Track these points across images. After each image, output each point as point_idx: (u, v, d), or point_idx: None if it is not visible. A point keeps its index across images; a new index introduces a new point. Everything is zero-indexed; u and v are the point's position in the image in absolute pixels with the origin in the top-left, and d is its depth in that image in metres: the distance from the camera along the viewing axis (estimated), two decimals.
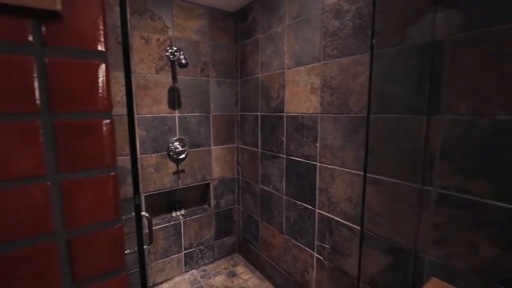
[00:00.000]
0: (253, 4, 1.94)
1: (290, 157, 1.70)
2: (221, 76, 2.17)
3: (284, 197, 1.79)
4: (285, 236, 1.81)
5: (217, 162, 2.25)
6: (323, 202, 1.48)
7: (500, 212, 0.83)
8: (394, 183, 1.10)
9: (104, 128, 0.35)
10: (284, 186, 1.79)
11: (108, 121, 0.36)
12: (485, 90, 0.83)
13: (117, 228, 0.37)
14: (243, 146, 2.22)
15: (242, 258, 2.39)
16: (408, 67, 1.01)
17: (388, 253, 1.15)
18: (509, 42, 0.78)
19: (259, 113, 1.98)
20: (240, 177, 2.31)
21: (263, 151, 1.97)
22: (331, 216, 1.43)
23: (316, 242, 1.56)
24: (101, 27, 0.34)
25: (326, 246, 1.48)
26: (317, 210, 1.53)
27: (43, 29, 0.31)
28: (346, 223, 1.35)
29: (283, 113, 1.73)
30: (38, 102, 0.31)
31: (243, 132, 2.20)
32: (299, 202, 1.66)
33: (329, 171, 1.42)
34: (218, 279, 2.11)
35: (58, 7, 0.30)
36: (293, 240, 1.74)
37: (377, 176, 1.16)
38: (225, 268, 2.26)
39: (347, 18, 1.24)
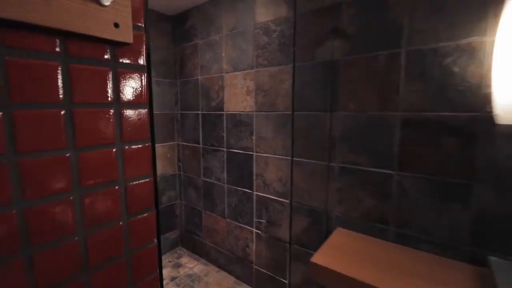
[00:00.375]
0: (191, 11, 2.11)
1: (231, 150, 1.94)
2: (160, 76, 2.26)
3: (226, 185, 2.02)
4: (228, 220, 2.05)
5: (158, 159, 2.31)
6: (259, 185, 1.78)
7: (375, 175, 1.26)
8: (311, 163, 1.47)
9: (141, 116, 0.53)
10: (225, 176, 2.02)
11: (145, 110, 0.54)
12: (361, 94, 1.26)
13: (151, 181, 0.55)
14: (184, 143, 2.35)
15: (185, 250, 2.51)
16: (317, 77, 1.39)
17: (309, 216, 1.52)
18: (374, 63, 1.21)
19: (200, 112, 2.16)
20: (182, 173, 2.43)
21: (204, 146, 2.16)
22: (266, 195, 1.74)
23: (254, 219, 1.85)
24: (144, 50, 0.52)
25: (262, 221, 1.79)
26: (255, 193, 1.82)
27: (117, 51, 0.47)
28: (278, 199, 1.68)
29: (223, 111, 1.96)
30: (110, 98, 0.48)
31: (184, 129, 2.34)
32: (239, 188, 1.93)
33: (264, 159, 1.73)
34: (164, 272, 2.19)
35: (131, 40, 0.48)
36: (235, 222, 1.99)
37: (299, 159, 1.52)
38: (170, 261, 2.35)
39: (274, 36, 1.57)
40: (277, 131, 1.63)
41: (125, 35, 0.46)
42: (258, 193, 1.80)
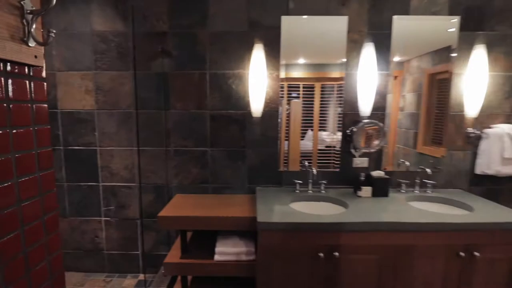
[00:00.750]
0: None
1: (69, 148, 1.99)
2: None
3: (66, 184, 2.03)
4: (70, 218, 2.06)
5: None
6: (106, 176, 1.99)
7: (197, 152, 1.88)
8: (153, 149, 1.90)
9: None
10: (64, 175, 2.02)
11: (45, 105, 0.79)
12: (185, 98, 1.84)
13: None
14: None
15: None
16: (153, 84, 1.84)
17: (154, 192, 1.94)
18: (192, 77, 1.82)
19: None
20: None
21: None
22: (114, 184, 1.98)
23: (102, 209, 2.02)
24: (44, 69, 0.78)
25: (111, 207, 2.01)
26: (101, 184, 2.00)
27: (33, 70, 0.72)
28: (126, 184, 1.97)
29: (57, 109, 1.97)
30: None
31: None
32: (82, 184, 2.02)
33: (109, 152, 1.96)
34: None
35: (43, 64, 0.74)
36: (80, 218, 2.05)
37: (144, 148, 1.91)
38: None
39: (112, 45, 1.85)
40: (120, 126, 1.92)
41: (39, 61, 0.78)
42: (105, 184, 2.00)
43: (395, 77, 1.86)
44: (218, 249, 1.61)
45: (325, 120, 1.86)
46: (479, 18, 1.76)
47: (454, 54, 1.77)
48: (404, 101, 1.87)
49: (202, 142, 1.88)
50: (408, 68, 1.85)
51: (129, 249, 2.03)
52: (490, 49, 1.77)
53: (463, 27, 1.75)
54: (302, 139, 1.90)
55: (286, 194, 1.76)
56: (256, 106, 1.82)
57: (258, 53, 1.78)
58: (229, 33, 1.78)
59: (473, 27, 1.76)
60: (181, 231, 1.66)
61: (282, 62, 1.79)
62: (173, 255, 1.66)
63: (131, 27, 1.81)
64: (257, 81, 1.79)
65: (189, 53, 1.81)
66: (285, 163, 1.89)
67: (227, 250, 1.60)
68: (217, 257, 1.60)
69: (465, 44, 1.77)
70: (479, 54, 1.77)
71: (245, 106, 1.83)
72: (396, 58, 1.81)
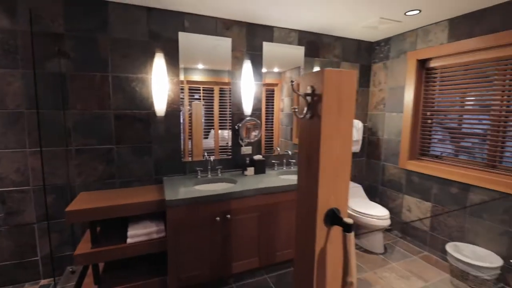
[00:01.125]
0: None
1: None
2: None
3: None
4: None
5: None
6: None
7: (103, 150, 2.00)
8: (51, 150, 1.89)
9: None
10: None
11: None
12: (87, 98, 1.93)
13: None
14: None
15: None
16: (49, 83, 1.85)
17: (53, 193, 1.93)
18: (93, 79, 1.93)
19: None
20: None
21: None
22: (2, 189, 1.85)
23: None
24: None
25: (0, 215, 1.86)
26: None
27: None
28: (18, 188, 1.87)
29: None
30: None
31: None
32: None
33: None
34: None
35: None
36: None
37: (37, 149, 1.87)
38: None
39: None
40: (8, 127, 1.82)
41: None
42: None
43: (276, 85, 2.51)
44: (130, 232, 1.82)
45: (225, 119, 2.33)
46: (315, 49, 2.62)
47: (302, 72, 2.57)
48: (283, 103, 2.55)
49: (107, 140, 2.01)
50: (284, 78, 2.54)
51: (26, 256, 1.93)
52: None
53: (306, 54, 2.57)
54: (206, 138, 2.30)
55: (189, 180, 2.13)
56: (160, 107, 2.10)
57: (159, 61, 2.07)
58: (131, 41, 1.99)
59: (312, 55, 2.61)
60: (91, 223, 1.78)
61: (183, 67, 2.14)
62: (84, 247, 1.76)
63: (19, 24, 1.76)
64: (159, 85, 2.08)
65: (90, 56, 1.91)
66: (189, 156, 2.25)
67: (139, 232, 1.84)
68: (129, 240, 1.81)
69: (308, 65, 2.61)
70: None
71: (149, 106, 2.09)
72: (276, 69, 2.47)
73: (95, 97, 1.96)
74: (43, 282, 1.96)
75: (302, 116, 0.93)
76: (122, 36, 1.97)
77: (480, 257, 1.96)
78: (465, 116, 2.24)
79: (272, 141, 2.56)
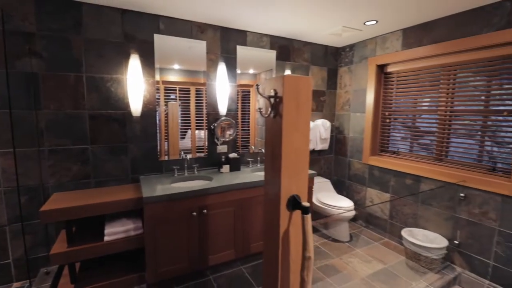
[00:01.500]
0: None
1: None
2: None
3: None
4: None
5: None
6: None
7: (77, 150, 2.00)
8: (24, 150, 1.87)
9: None
10: None
11: None
12: (60, 98, 1.93)
13: None
14: None
15: None
16: (20, 83, 1.83)
17: (26, 194, 1.91)
18: (67, 79, 1.93)
19: None
20: None
21: None
22: None
23: None
24: None
25: None
26: None
27: None
28: None
29: None
30: None
31: None
32: None
33: None
34: None
35: None
36: None
37: (8, 150, 1.84)
38: None
39: None
40: None
41: None
42: None
43: (252, 86, 2.63)
44: (107, 230, 1.86)
45: (202, 119, 2.42)
46: (286, 53, 2.79)
47: (273, 75, 2.73)
48: (259, 104, 2.67)
49: (82, 140, 2.02)
50: (260, 79, 2.68)
51: None
52: (293, 73, 2.84)
53: (278, 58, 2.73)
54: (183, 139, 2.37)
55: (166, 178, 2.19)
56: (136, 107, 2.15)
57: (134, 62, 2.12)
58: (106, 42, 2.02)
59: (283, 58, 2.78)
60: (66, 223, 1.79)
61: (158, 67, 2.20)
62: (59, 247, 1.77)
63: None
64: (135, 85, 2.12)
65: (63, 56, 1.92)
66: (165, 155, 2.31)
67: (116, 230, 1.88)
68: (106, 238, 1.85)
69: (280, 68, 2.77)
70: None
71: (125, 106, 2.13)
72: (251, 71, 2.59)
73: (69, 97, 1.96)
74: (15, 285, 1.93)
75: (266, 115, 1.06)
76: (96, 37, 1.99)
77: (430, 239, 2.23)
78: (417, 116, 2.52)
79: (249, 140, 2.69)
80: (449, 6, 1.96)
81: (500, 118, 1.97)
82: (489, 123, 2.04)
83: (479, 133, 2.09)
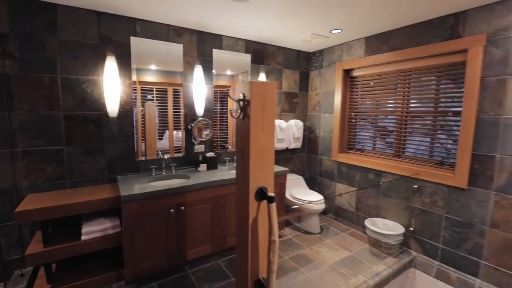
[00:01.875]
0: None
1: None
2: None
3: None
4: None
5: None
6: None
7: (52, 151, 2.00)
8: None
9: None
10: None
11: None
12: (34, 99, 1.93)
13: None
14: None
15: None
16: None
17: (0, 195, 1.89)
18: (41, 80, 1.93)
19: None
20: None
21: None
22: None
23: None
24: None
25: None
26: None
27: None
28: None
29: None
30: None
31: None
32: None
33: None
34: None
35: None
36: None
37: None
38: None
39: None
40: None
41: None
42: None
43: (229, 87, 2.74)
44: (84, 230, 1.89)
45: (179, 120, 2.49)
46: (261, 57, 2.94)
47: (249, 77, 2.87)
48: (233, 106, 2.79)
49: (57, 141, 2.03)
50: (237, 80, 2.79)
51: None
52: (267, 76, 3.00)
53: (253, 61, 2.87)
54: (160, 139, 2.43)
55: (144, 178, 2.25)
56: (112, 108, 2.18)
57: (111, 63, 2.15)
58: (81, 43, 2.04)
59: (258, 62, 2.92)
60: (42, 223, 1.80)
61: (135, 67, 2.25)
62: (35, 247, 1.78)
63: None
64: (111, 87, 2.16)
65: (36, 57, 1.92)
66: (143, 155, 2.36)
67: (93, 229, 1.92)
68: (84, 237, 1.88)
69: (255, 71, 2.91)
70: (262, 79, 2.96)
71: (101, 107, 2.16)
72: (229, 72, 2.70)
73: (43, 98, 1.97)
74: None
75: (237, 116, 1.19)
76: (71, 38, 2.01)
77: (389, 228, 2.47)
78: (379, 117, 2.77)
79: (227, 139, 2.80)
80: (403, 19, 2.21)
81: (448, 118, 2.25)
82: (439, 122, 2.31)
83: (430, 131, 2.37)
